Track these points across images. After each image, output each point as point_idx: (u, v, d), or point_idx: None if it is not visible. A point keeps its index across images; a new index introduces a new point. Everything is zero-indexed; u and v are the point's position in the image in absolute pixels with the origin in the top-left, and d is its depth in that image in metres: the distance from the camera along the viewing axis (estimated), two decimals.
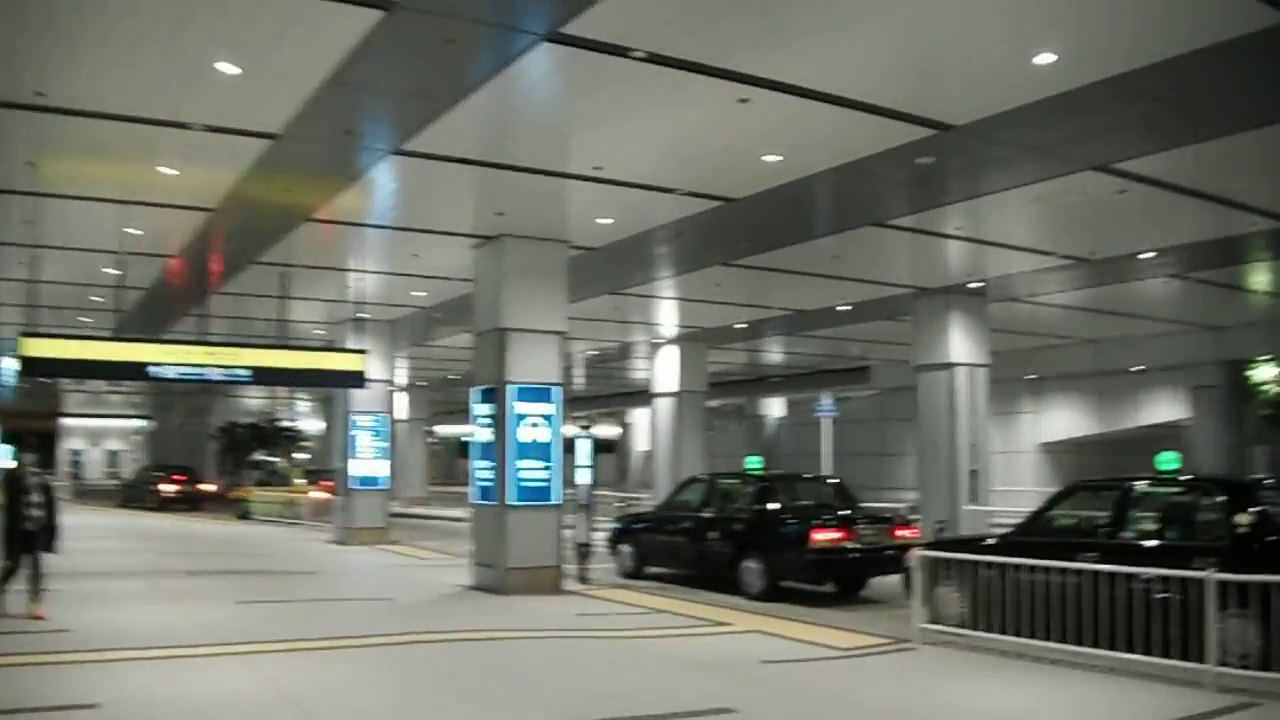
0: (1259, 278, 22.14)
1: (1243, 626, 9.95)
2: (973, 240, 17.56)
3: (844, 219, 16.09)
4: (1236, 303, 24.65)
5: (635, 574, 18.61)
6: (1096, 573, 10.89)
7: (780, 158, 12.79)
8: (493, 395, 16.56)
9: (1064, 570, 11.21)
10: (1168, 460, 12.49)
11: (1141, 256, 18.82)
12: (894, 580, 15.78)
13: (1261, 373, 29.43)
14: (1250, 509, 10.94)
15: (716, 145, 12.45)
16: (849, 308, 24.40)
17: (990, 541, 13.22)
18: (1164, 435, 34.26)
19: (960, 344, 22.45)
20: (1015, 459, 33.76)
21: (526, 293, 16.58)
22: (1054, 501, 13.07)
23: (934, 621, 12.30)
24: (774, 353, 36.48)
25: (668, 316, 26.45)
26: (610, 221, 15.94)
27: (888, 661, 11.38)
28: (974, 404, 22.63)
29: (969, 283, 21.45)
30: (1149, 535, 11.80)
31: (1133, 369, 32.29)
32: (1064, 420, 35.24)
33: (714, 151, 12.69)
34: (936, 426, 22.63)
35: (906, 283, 21.82)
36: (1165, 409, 32.70)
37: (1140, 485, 12.44)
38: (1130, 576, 10.71)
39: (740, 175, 13.60)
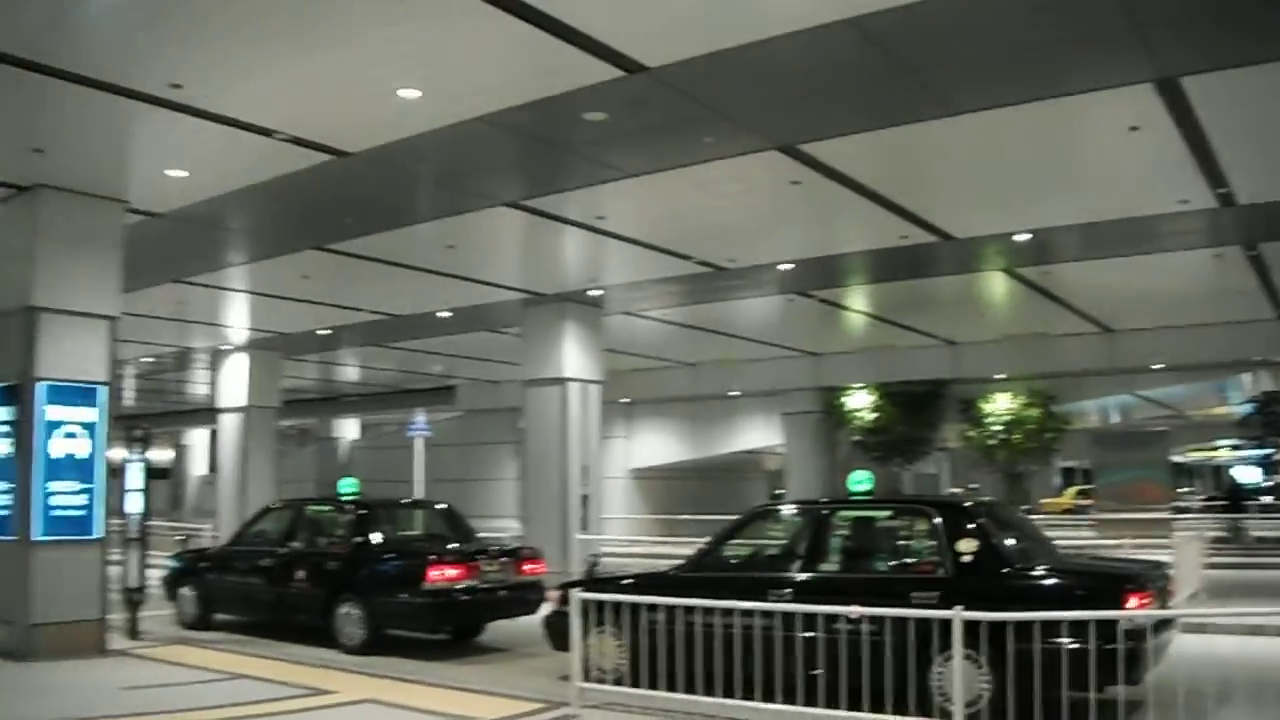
0: (865, 301, 21.95)
1: (972, 672, 8.40)
2: (613, 235, 15.49)
3: (476, 193, 13.45)
4: (836, 329, 24.35)
5: (200, 624, 15.03)
6: (806, 614, 8.96)
7: (420, 94, 10.04)
8: (15, 395, 12.67)
9: (754, 612, 9.17)
10: (860, 480, 10.76)
11: (780, 268, 17.51)
12: (518, 624, 13.70)
13: (854, 400, 29.59)
14: (972, 534, 9.41)
15: (339, 64, 9.44)
16: (450, 314, 21.78)
17: (627, 580, 11.21)
18: (752, 461, 34.51)
19: (574, 358, 20.57)
20: (607, 485, 32.28)
21: (68, 263, 12.69)
22: (734, 529, 11.08)
23: (590, 677, 9.90)
24: (352, 367, 33.32)
25: (242, 316, 22.72)
26: (185, 175, 12.40)
27: None
28: (586, 423, 20.77)
29: (589, 289, 19.47)
30: (852, 568, 10.12)
31: (729, 394, 31.82)
32: (657, 445, 34.56)
33: (333, 74, 9.67)
34: (546, 447, 20.58)
35: (522, 286, 19.52)
36: (759, 435, 32.82)
37: (836, 509, 10.67)
38: (833, 618, 8.87)
39: (362, 117, 10.67)
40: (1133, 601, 8.64)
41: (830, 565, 10.14)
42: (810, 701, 8.63)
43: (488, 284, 19.04)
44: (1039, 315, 22.58)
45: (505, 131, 11.02)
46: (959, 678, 8.02)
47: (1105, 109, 10.61)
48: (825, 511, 10.61)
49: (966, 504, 10.34)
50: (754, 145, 11.50)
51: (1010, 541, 9.71)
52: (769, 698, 8.77)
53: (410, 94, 10.01)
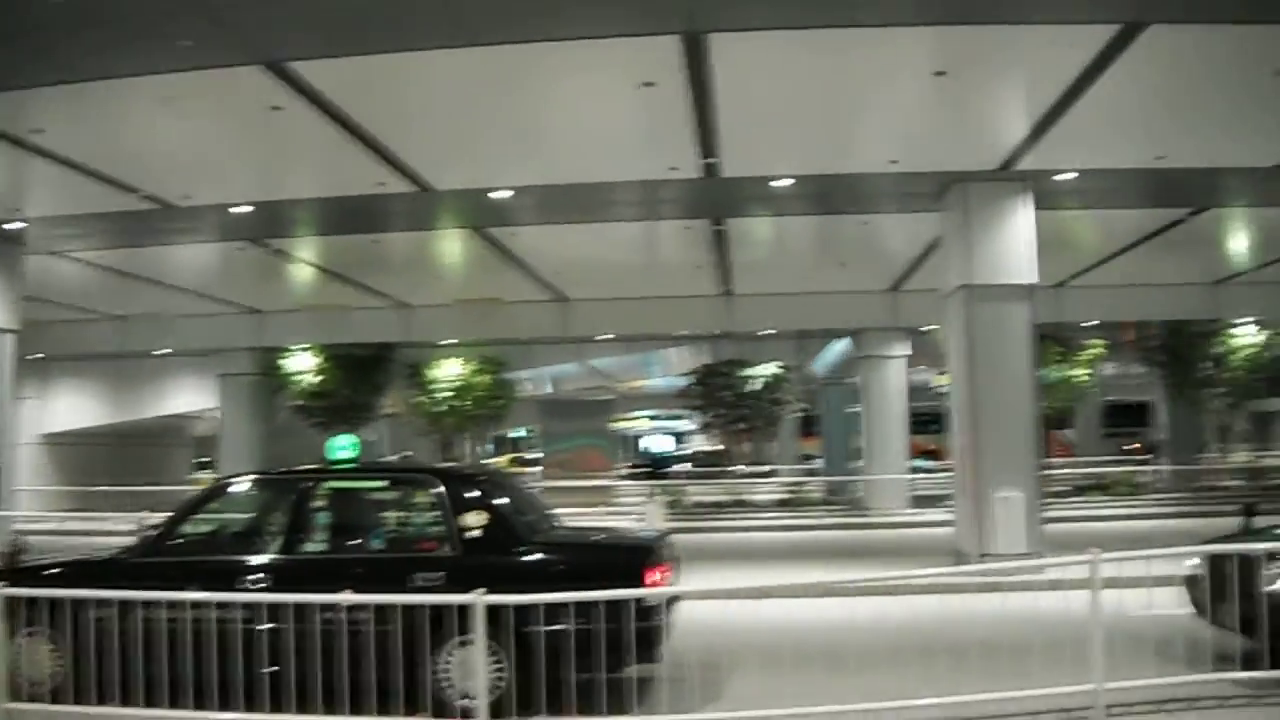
0: (320, 255, 20.58)
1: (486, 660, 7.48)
2: (49, 155, 12.86)
3: None
4: (285, 284, 22.88)
5: None
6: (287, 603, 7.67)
7: None
8: None
9: (228, 604, 7.82)
10: (343, 446, 9.53)
11: (236, 210, 15.78)
12: None
13: (296, 362, 27.82)
14: (479, 506, 8.47)
15: None
16: None
17: (62, 569, 9.02)
18: (181, 426, 32.11)
19: None
20: (12, 452, 28.70)
21: None
22: (197, 504, 9.36)
23: (19, 694, 8.03)
24: None
25: None
26: None
27: None
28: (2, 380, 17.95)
29: (8, 221, 16.54)
30: (342, 548, 8.88)
31: (160, 352, 29.17)
32: (74, 408, 31.13)
33: None
34: None
35: None
36: (191, 397, 30.65)
37: (321, 480, 9.26)
38: (328, 608, 7.64)
39: None
40: (654, 575, 8.14)
41: (316, 545, 8.77)
42: (304, 706, 7.38)
43: None
44: (498, 280, 22.15)
45: None
46: (483, 667, 7.21)
47: (623, 58, 10.11)
48: (308, 483, 9.09)
49: (470, 472, 9.42)
50: (237, 57, 9.89)
51: (518, 513, 8.88)
52: (253, 705, 7.44)
53: None
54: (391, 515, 9.35)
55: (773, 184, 14.55)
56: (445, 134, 12.73)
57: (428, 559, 8.34)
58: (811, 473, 37.22)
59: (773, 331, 28.67)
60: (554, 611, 7.46)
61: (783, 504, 27.74)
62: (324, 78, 10.49)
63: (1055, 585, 8.77)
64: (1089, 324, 26.88)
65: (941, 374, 41.01)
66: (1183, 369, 27.65)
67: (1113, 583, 8.16)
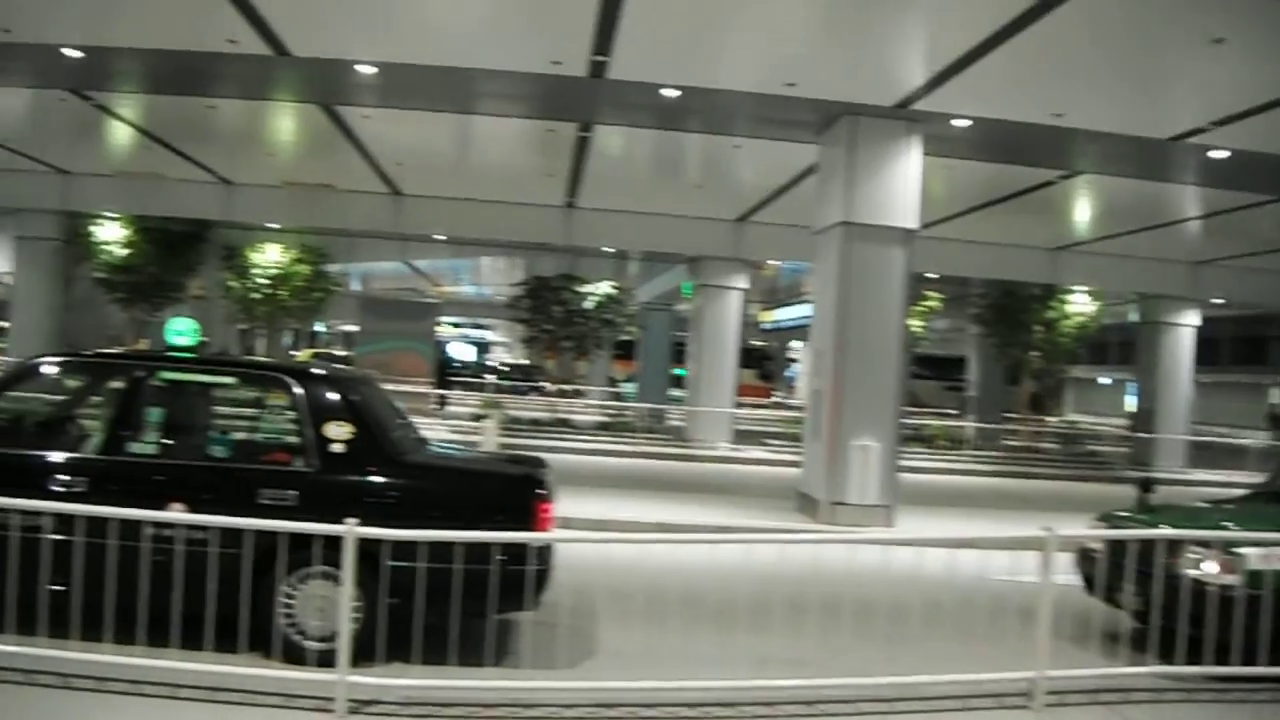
0: (145, 115, 18.33)
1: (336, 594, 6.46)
2: None
3: None
4: (100, 143, 20.54)
5: None
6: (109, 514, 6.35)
7: None
8: None
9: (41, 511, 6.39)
10: (181, 331, 8.04)
11: (68, 53, 13.75)
12: None
13: (106, 231, 25.40)
14: (346, 415, 7.21)
15: None
16: None
17: None
18: None
19: None
20: None
21: None
22: (2, 386, 7.68)
23: None
24: None
25: None
26: None
27: None
28: None
29: None
30: (175, 451, 7.46)
31: None
32: None
33: None
34: None
35: None
36: None
37: (159, 369, 7.69)
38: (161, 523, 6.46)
39: None
40: (546, 511, 7.13)
41: (146, 447, 7.31)
42: (126, 637, 6.21)
43: None
44: (334, 165, 20.56)
45: None
46: (347, 608, 6.12)
47: None
48: (140, 371, 7.58)
49: (336, 374, 8.00)
50: None
51: (387, 427, 7.57)
52: (62, 632, 6.22)
53: None
54: (238, 418, 8.03)
55: (661, 93, 13.53)
56: None
57: (279, 473, 7.07)
58: (618, 397, 36.50)
59: (609, 250, 27.74)
60: (459, 551, 6.43)
61: (603, 427, 26.96)
62: None
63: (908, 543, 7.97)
64: (931, 276, 26.67)
65: (767, 310, 41.12)
66: (1009, 330, 27.68)
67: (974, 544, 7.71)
